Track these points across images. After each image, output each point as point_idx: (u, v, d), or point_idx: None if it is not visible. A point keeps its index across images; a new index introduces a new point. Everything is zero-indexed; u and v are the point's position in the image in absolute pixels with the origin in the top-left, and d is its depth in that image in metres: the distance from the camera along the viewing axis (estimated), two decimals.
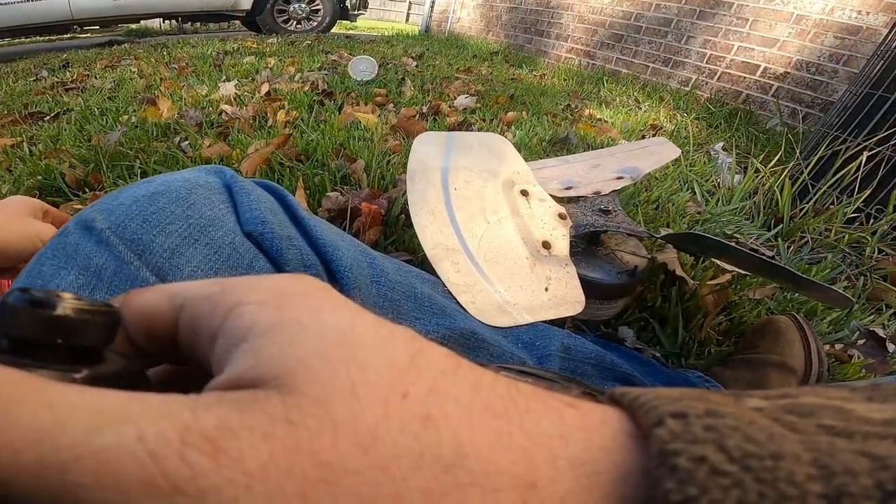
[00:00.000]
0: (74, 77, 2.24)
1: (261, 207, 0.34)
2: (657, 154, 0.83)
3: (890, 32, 1.27)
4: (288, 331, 0.12)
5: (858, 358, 0.73)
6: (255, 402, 0.10)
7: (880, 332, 0.77)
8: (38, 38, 4.52)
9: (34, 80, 2.26)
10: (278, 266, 0.34)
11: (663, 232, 0.89)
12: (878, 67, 1.25)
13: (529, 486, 0.10)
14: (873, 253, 1.05)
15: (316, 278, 0.15)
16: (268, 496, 0.09)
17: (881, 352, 0.75)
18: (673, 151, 0.83)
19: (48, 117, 1.56)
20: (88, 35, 4.83)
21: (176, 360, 0.15)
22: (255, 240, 0.33)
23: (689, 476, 0.09)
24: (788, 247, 1.07)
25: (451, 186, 0.60)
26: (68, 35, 4.44)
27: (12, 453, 0.09)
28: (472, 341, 0.43)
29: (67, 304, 0.12)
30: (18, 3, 3.18)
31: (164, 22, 5.15)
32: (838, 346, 0.75)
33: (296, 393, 0.10)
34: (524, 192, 0.64)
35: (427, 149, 0.63)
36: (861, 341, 0.77)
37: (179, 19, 4.48)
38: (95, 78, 2.19)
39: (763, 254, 0.66)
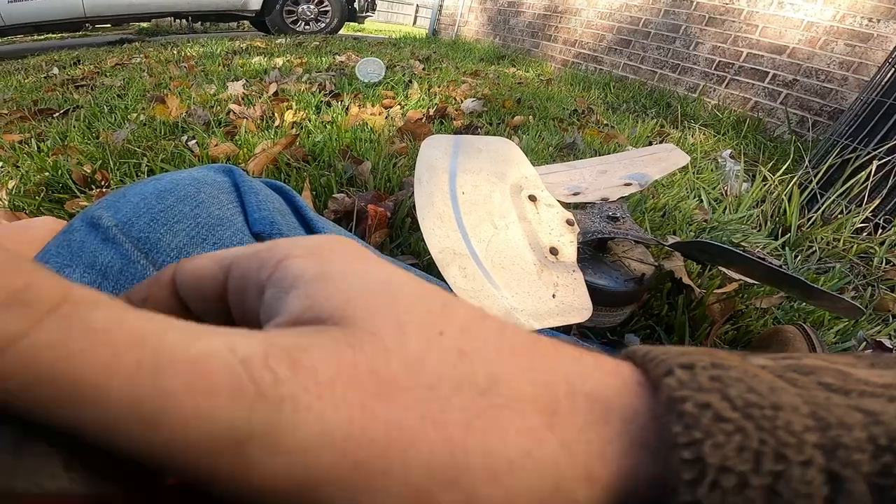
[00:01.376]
0: (85, 74, 2.25)
1: (269, 208, 0.33)
2: (665, 161, 0.82)
3: None
4: (334, 278, 0.13)
5: None
6: (318, 332, 0.11)
7: (887, 343, 0.76)
8: (50, 35, 4.57)
9: (45, 77, 2.28)
10: None
11: (671, 240, 0.89)
12: (888, 75, 1.24)
13: (552, 413, 0.11)
14: (881, 263, 1.04)
15: (352, 239, 0.15)
16: (334, 405, 0.10)
17: None
18: (681, 158, 0.82)
19: (57, 114, 1.57)
20: (100, 33, 4.89)
21: (223, 321, 0.17)
22: (264, 241, 0.33)
23: (694, 421, 0.10)
24: (796, 256, 1.06)
25: (459, 190, 0.60)
26: (80, 33, 4.48)
27: (113, 353, 0.09)
28: None
29: None
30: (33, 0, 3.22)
31: (174, 21, 5.19)
32: None
33: (350, 326, 0.11)
34: (532, 198, 0.64)
35: (434, 152, 0.63)
36: (868, 352, 0.76)
37: (190, 18, 4.52)
38: (105, 76, 2.21)
39: (771, 263, 0.65)
